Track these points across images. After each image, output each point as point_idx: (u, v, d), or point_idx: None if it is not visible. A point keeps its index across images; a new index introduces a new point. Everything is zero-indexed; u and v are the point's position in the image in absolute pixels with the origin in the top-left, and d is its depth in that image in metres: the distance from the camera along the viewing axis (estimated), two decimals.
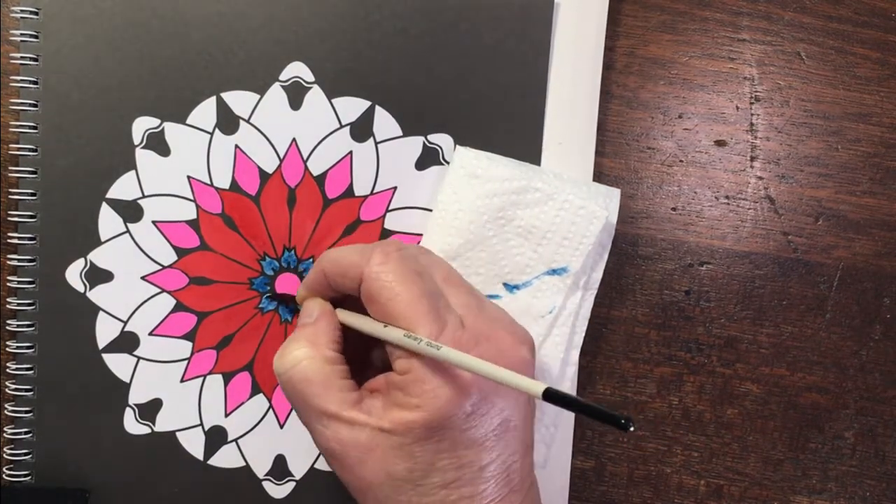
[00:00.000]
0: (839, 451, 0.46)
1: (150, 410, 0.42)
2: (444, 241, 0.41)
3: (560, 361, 0.42)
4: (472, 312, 0.34)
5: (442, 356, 0.31)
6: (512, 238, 0.41)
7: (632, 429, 0.26)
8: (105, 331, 0.42)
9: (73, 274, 0.41)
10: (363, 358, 0.38)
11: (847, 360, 0.46)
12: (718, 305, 0.45)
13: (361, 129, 0.42)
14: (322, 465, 0.43)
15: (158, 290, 0.42)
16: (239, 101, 0.42)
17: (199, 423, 0.42)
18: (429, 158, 0.43)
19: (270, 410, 0.43)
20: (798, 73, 0.45)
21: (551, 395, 0.28)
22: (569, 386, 0.43)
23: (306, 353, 0.34)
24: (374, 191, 0.43)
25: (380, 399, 0.33)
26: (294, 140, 0.42)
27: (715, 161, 0.45)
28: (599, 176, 0.44)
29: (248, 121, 0.42)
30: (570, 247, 0.41)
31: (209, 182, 0.42)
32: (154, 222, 0.42)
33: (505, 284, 0.42)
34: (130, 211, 0.42)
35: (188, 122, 0.42)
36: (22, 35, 0.40)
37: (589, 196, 0.42)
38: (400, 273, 0.33)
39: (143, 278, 0.42)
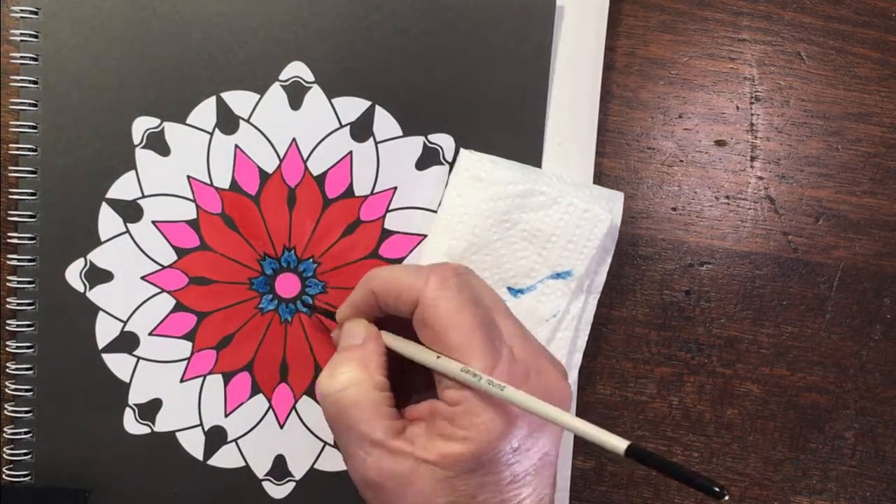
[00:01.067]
0: (839, 452, 0.46)
1: (149, 410, 0.42)
2: (448, 244, 0.41)
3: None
4: (520, 342, 0.34)
5: (506, 397, 0.30)
6: (516, 242, 0.41)
7: (726, 498, 0.25)
8: (105, 331, 0.42)
9: (73, 274, 0.41)
10: (398, 380, 0.37)
11: (847, 361, 0.46)
12: (718, 305, 0.45)
13: (361, 129, 0.42)
14: (322, 465, 0.43)
15: (158, 290, 0.42)
16: (239, 100, 0.42)
17: (198, 423, 0.42)
18: (429, 158, 0.43)
19: (270, 411, 0.43)
20: (798, 73, 0.45)
21: (636, 454, 0.27)
22: (572, 389, 0.43)
23: (358, 376, 0.33)
24: (375, 191, 0.43)
25: (422, 428, 0.32)
26: (294, 140, 0.42)
27: (715, 161, 0.45)
28: (600, 176, 0.44)
29: (248, 121, 0.42)
30: (574, 250, 0.41)
31: (209, 182, 0.42)
32: (154, 222, 0.42)
33: (509, 288, 0.42)
34: (130, 211, 0.42)
35: (188, 121, 0.42)
36: (22, 35, 0.40)
37: (592, 199, 0.42)
38: (458, 301, 0.32)
39: (142, 278, 0.42)
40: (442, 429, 0.32)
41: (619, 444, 0.27)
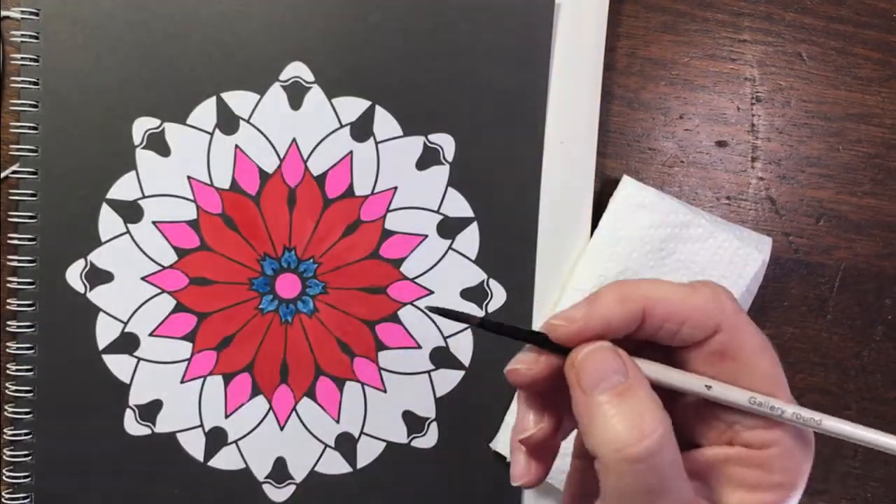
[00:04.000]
0: (841, 453, 0.46)
1: (150, 411, 0.42)
2: (604, 266, 0.42)
3: None
4: None
5: (830, 429, 0.26)
6: (669, 272, 0.42)
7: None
8: (105, 332, 0.42)
9: (74, 275, 0.41)
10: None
11: (848, 361, 0.46)
12: None
13: (361, 129, 0.42)
14: (322, 468, 0.43)
15: (158, 291, 0.42)
16: (239, 101, 0.42)
17: (199, 424, 0.42)
18: (429, 158, 0.43)
19: (270, 412, 0.43)
20: (799, 74, 0.45)
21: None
22: None
23: (665, 425, 0.25)
24: (375, 191, 0.42)
25: (699, 482, 0.27)
26: (294, 140, 0.42)
27: (716, 162, 0.45)
28: (601, 176, 0.44)
29: (248, 121, 0.42)
30: (726, 285, 0.41)
31: (209, 182, 0.42)
32: (154, 223, 0.42)
33: None
34: (130, 211, 0.42)
35: (188, 122, 0.42)
36: (22, 36, 0.40)
37: (743, 239, 0.42)
38: (755, 326, 0.27)
39: (143, 279, 0.42)
40: (746, 478, 0.26)
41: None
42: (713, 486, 0.26)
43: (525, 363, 0.28)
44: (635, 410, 0.25)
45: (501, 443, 0.43)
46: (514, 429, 0.29)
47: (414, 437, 0.43)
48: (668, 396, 0.26)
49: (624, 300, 0.26)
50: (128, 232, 0.42)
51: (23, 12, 0.40)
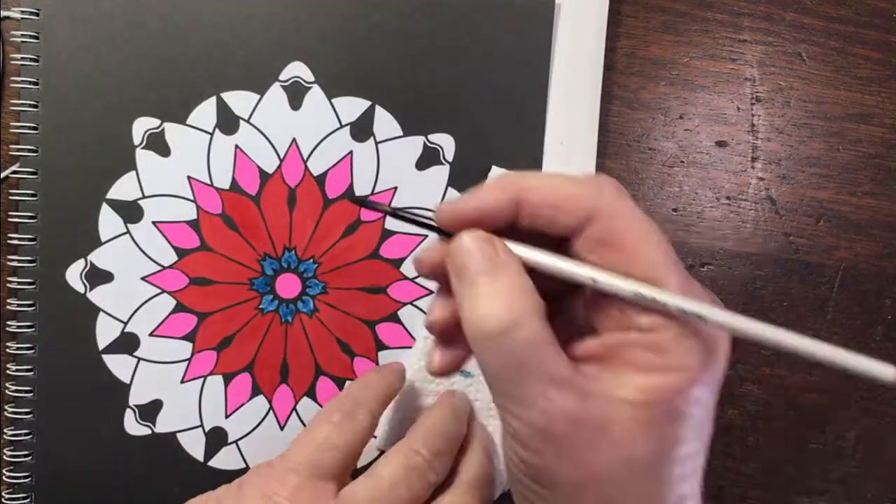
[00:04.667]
0: (840, 452, 0.46)
1: (150, 411, 0.42)
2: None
3: None
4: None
5: (722, 322, 0.25)
6: None
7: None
8: (105, 332, 0.42)
9: (74, 275, 0.41)
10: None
11: None
12: None
13: (362, 129, 0.42)
14: None
15: (158, 291, 0.42)
16: (239, 101, 0.42)
17: (199, 424, 0.42)
18: (429, 158, 0.43)
19: (270, 412, 0.43)
20: (799, 74, 0.45)
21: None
22: None
23: (526, 305, 0.26)
24: (375, 191, 0.42)
25: (598, 367, 0.26)
26: (294, 140, 0.42)
27: (716, 162, 0.45)
28: None
29: (248, 121, 0.42)
30: None
31: (209, 182, 0.42)
32: (154, 223, 0.42)
33: None
34: (130, 211, 0.42)
35: (188, 122, 0.42)
36: (22, 36, 0.40)
37: None
38: (641, 215, 0.26)
39: (143, 279, 0.42)
40: (640, 360, 0.25)
41: (887, 371, 0.23)
42: (612, 370, 0.26)
43: (425, 252, 0.30)
44: (499, 291, 0.26)
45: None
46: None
47: None
48: (570, 286, 0.27)
49: (500, 188, 0.27)
50: (128, 232, 0.42)
51: (23, 12, 0.40)
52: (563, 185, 0.27)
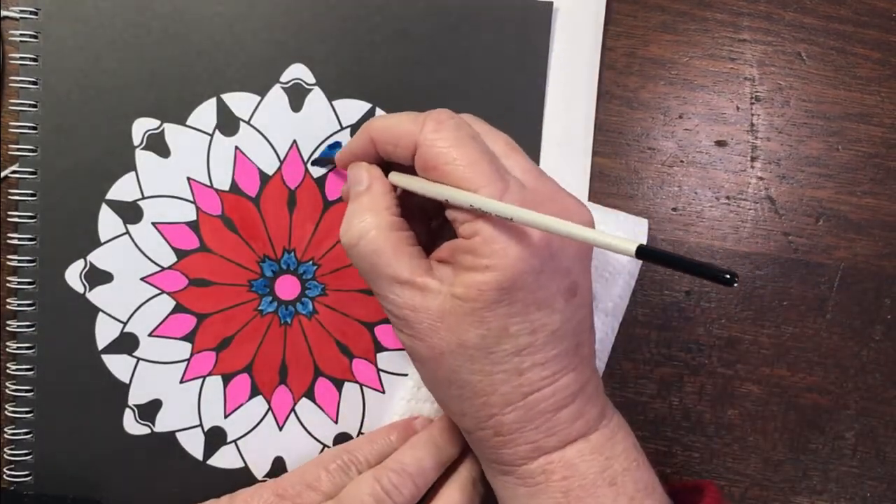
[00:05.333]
0: (840, 452, 0.46)
1: (149, 411, 0.42)
2: None
3: None
4: (533, 176, 0.33)
5: (517, 216, 0.29)
6: None
7: (735, 285, 0.25)
8: (105, 332, 0.42)
9: (73, 275, 0.41)
10: (422, 232, 0.37)
11: (848, 361, 0.46)
12: (719, 306, 0.45)
13: None
14: None
15: (158, 292, 0.42)
16: (239, 102, 0.42)
17: (198, 423, 0.42)
18: None
19: (269, 412, 0.43)
20: (799, 74, 0.45)
21: (645, 253, 0.26)
22: None
23: (372, 222, 0.33)
24: None
25: (448, 267, 0.33)
26: (294, 142, 0.42)
27: (715, 161, 0.45)
28: (600, 176, 0.44)
29: (248, 122, 0.42)
30: (597, 275, 0.41)
31: (209, 183, 0.42)
32: (154, 223, 0.42)
33: None
34: (130, 212, 0.42)
35: (188, 123, 0.42)
36: (21, 35, 0.40)
37: (618, 225, 0.42)
38: (456, 138, 0.32)
39: (142, 279, 0.42)
40: (464, 262, 0.31)
41: (628, 246, 0.26)
42: (452, 270, 0.32)
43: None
44: (356, 211, 0.34)
45: None
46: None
47: None
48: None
49: (361, 131, 0.36)
50: (127, 233, 0.42)
51: (22, 12, 0.40)
52: (399, 124, 0.34)
